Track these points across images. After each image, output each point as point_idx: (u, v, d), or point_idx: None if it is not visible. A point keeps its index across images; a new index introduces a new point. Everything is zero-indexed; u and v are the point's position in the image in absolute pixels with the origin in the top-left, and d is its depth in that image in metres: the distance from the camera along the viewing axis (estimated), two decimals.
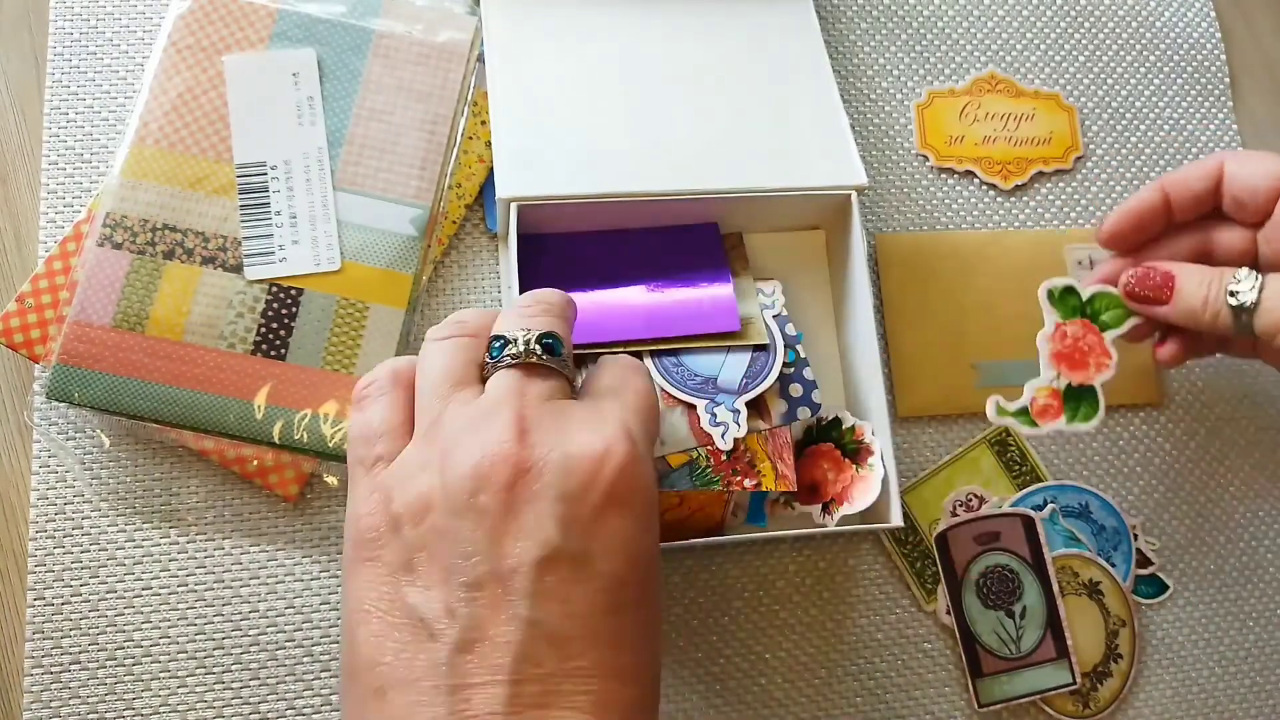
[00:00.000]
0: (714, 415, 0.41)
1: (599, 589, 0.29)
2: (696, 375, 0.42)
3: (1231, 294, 0.40)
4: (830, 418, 0.46)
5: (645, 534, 0.31)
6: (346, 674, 0.30)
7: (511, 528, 0.29)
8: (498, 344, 0.33)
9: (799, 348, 0.43)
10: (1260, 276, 0.40)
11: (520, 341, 0.32)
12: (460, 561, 0.29)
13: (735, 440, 0.41)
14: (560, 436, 0.30)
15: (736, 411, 0.41)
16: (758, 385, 0.42)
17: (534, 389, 0.32)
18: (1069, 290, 0.44)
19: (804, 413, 0.43)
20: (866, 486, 0.44)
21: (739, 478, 0.41)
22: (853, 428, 0.45)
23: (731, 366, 0.42)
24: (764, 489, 0.42)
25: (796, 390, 0.43)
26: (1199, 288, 0.41)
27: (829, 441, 0.46)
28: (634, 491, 0.30)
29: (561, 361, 0.33)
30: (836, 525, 0.44)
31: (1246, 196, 0.42)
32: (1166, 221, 0.44)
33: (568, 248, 0.45)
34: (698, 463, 0.41)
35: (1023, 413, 0.44)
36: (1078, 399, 0.44)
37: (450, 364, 0.33)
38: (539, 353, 0.32)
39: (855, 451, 0.45)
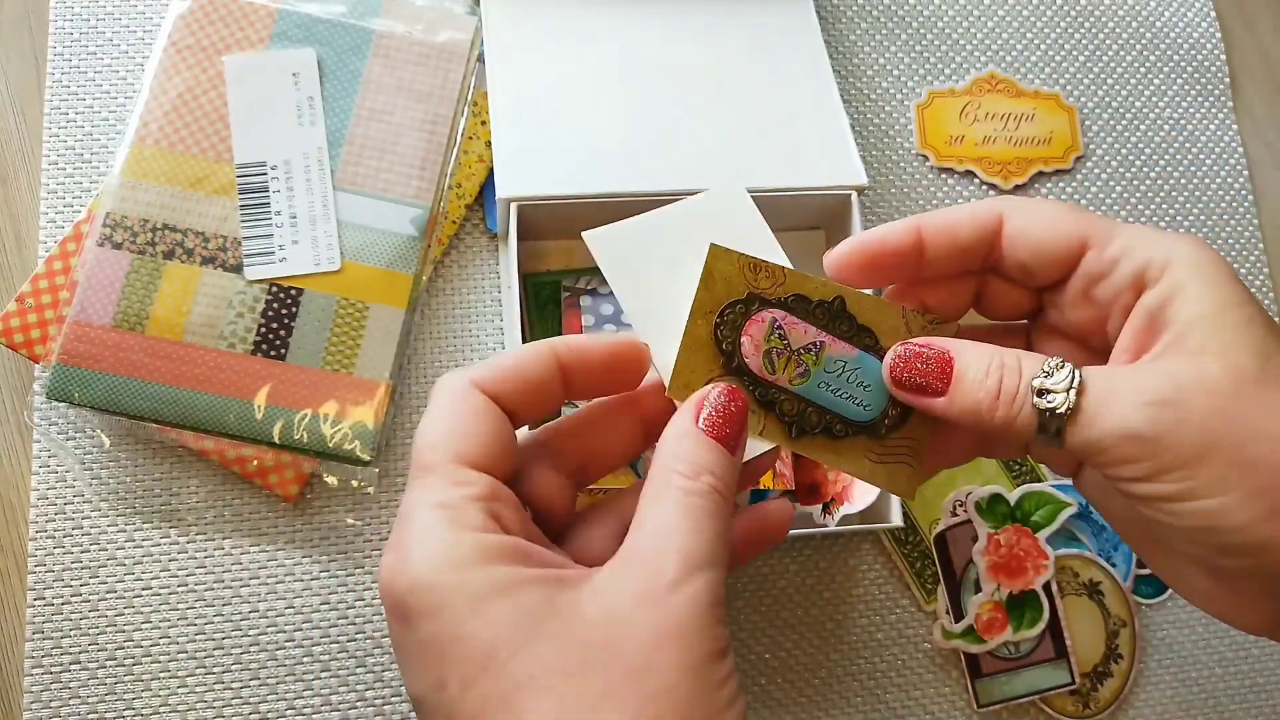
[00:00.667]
0: None
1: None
2: None
3: (1039, 393, 0.29)
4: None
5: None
6: None
7: None
8: None
9: None
10: (1077, 372, 0.29)
11: None
12: None
13: None
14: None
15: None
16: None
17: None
18: (996, 498, 0.44)
19: None
20: (866, 486, 0.43)
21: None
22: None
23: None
24: (762, 488, 0.42)
25: None
26: (985, 377, 0.30)
27: None
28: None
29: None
30: (837, 525, 0.44)
31: (1035, 263, 0.32)
32: (915, 268, 0.33)
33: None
34: None
35: (969, 632, 0.46)
36: (1021, 606, 0.46)
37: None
38: None
39: None
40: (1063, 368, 0.29)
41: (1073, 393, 0.29)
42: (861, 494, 0.44)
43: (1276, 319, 0.55)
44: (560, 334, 0.46)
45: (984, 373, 0.30)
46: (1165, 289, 0.30)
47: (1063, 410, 0.29)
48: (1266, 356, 0.29)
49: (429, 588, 0.26)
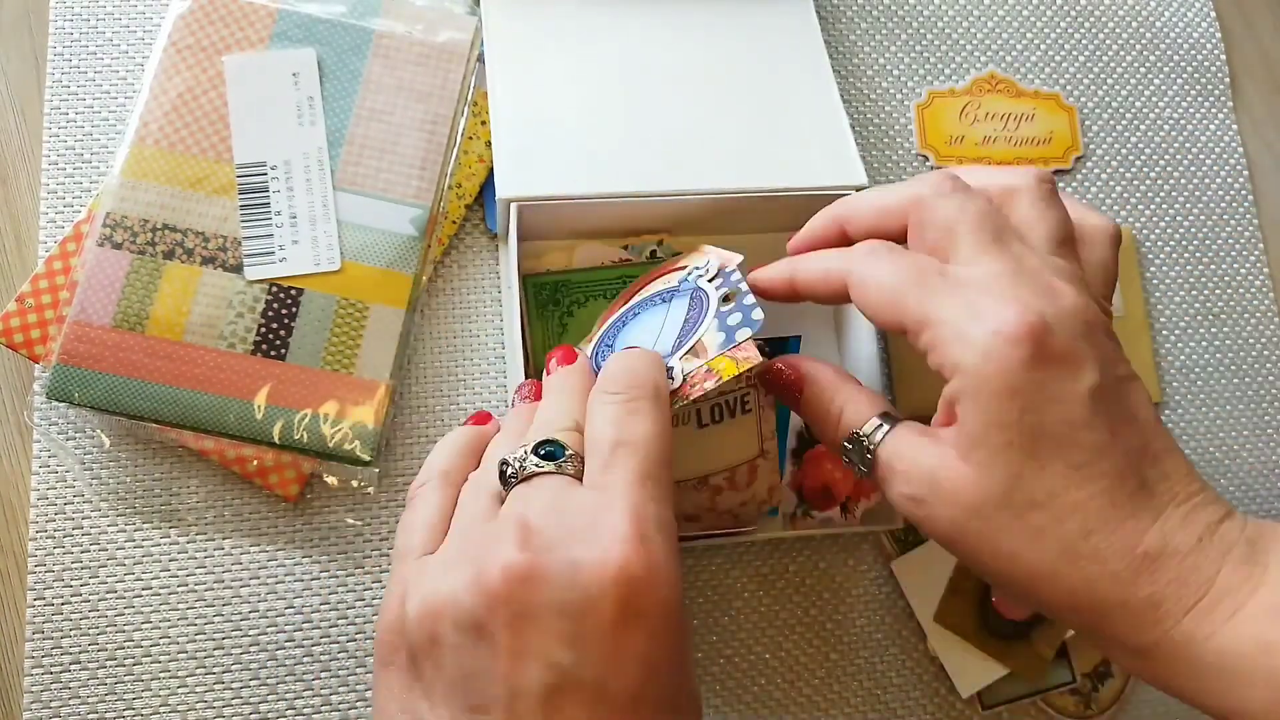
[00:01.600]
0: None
1: (612, 709, 0.28)
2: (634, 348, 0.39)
3: (844, 455, 0.36)
4: None
5: (668, 644, 0.29)
6: None
7: (516, 647, 0.28)
8: (501, 467, 0.33)
9: (741, 285, 0.40)
10: (878, 438, 0.35)
11: (516, 462, 0.32)
12: (463, 680, 0.29)
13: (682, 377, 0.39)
14: (564, 542, 0.29)
15: (671, 368, 0.38)
16: (692, 335, 0.39)
17: (537, 492, 0.31)
18: None
19: (744, 333, 0.38)
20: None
21: (699, 384, 0.38)
22: None
23: (668, 331, 0.40)
24: (725, 377, 0.40)
25: (735, 319, 0.38)
26: (822, 413, 0.37)
27: (821, 445, 0.46)
28: (650, 606, 0.29)
29: (565, 463, 0.32)
30: (861, 524, 0.44)
31: (879, 327, 0.39)
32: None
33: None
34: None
35: None
36: None
37: (486, 480, 0.33)
38: (537, 464, 0.32)
39: None
40: (860, 440, 0.35)
41: (869, 457, 0.35)
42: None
43: (1276, 318, 0.55)
44: (560, 336, 0.46)
45: (819, 409, 0.37)
46: (953, 391, 0.33)
47: (863, 469, 0.35)
48: (1015, 479, 0.32)
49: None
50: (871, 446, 0.35)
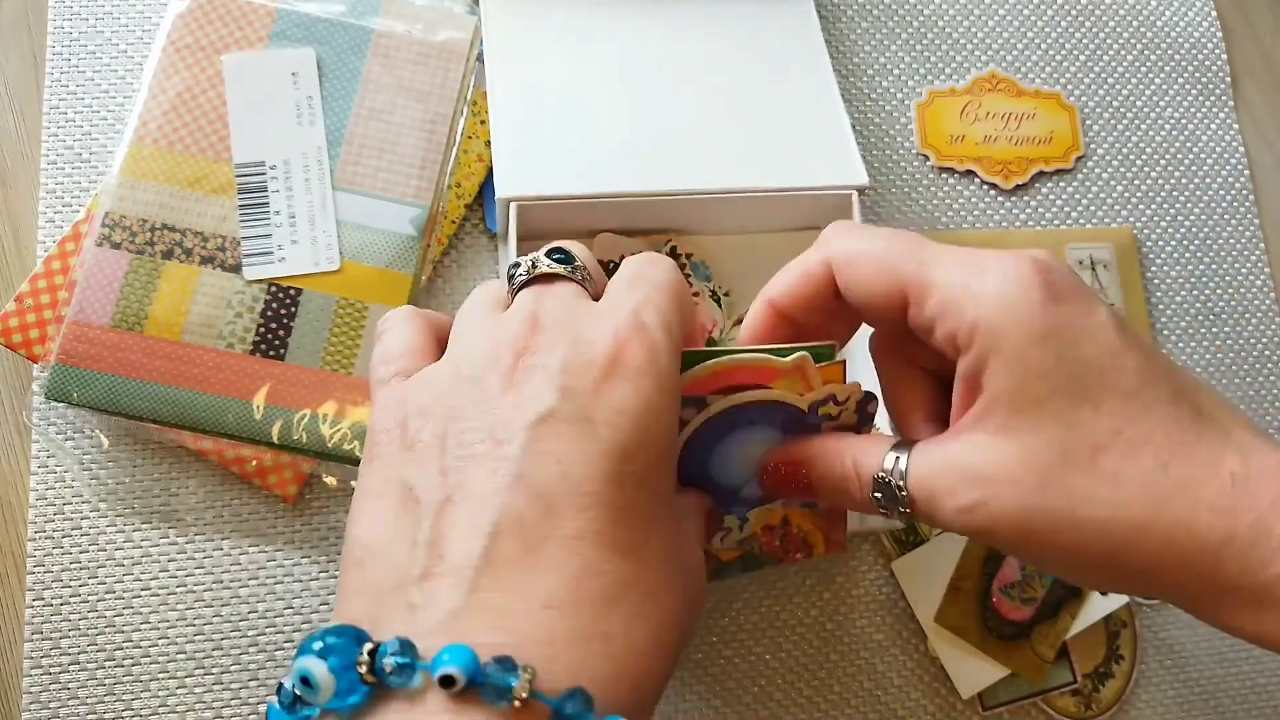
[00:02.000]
0: (721, 520, 0.37)
1: (599, 452, 0.27)
2: (721, 488, 0.36)
3: (881, 507, 0.32)
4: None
5: (656, 413, 0.28)
6: (341, 565, 0.29)
7: (510, 396, 0.28)
8: (511, 269, 0.32)
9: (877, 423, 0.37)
10: (902, 466, 0.31)
11: (529, 260, 0.32)
12: (457, 431, 0.28)
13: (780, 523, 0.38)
14: (571, 325, 0.29)
15: (745, 520, 0.37)
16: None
17: (551, 296, 0.31)
18: None
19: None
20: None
21: (793, 553, 0.38)
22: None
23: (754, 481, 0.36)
24: (818, 555, 0.40)
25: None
26: (834, 485, 0.33)
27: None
28: (640, 368, 0.28)
29: (575, 269, 0.32)
30: (862, 526, 0.43)
31: (870, 314, 0.34)
32: (805, 325, 0.35)
33: None
34: (750, 555, 0.38)
35: None
36: None
37: (482, 295, 0.33)
38: (548, 264, 0.32)
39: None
40: (887, 480, 0.31)
41: (903, 493, 0.31)
42: None
43: (1277, 318, 0.55)
44: None
45: (835, 480, 0.32)
46: (974, 358, 0.29)
47: (903, 509, 0.31)
48: (1071, 428, 0.28)
49: None
50: (900, 481, 0.31)
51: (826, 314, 0.34)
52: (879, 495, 0.31)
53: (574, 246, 0.33)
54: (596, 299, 0.32)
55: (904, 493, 0.31)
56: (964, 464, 0.30)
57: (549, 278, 0.32)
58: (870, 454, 0.32)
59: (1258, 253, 0.56)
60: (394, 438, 0.29)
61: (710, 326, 0.48)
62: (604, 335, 0.29)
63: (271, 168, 0.46)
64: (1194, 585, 0.28)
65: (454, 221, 0.49)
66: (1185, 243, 0.55)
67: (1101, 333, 0.29)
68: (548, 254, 0.32)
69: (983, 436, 0.29)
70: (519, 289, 0.32)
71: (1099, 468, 0.28)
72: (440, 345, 0.33)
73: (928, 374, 0.34)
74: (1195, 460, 0.28)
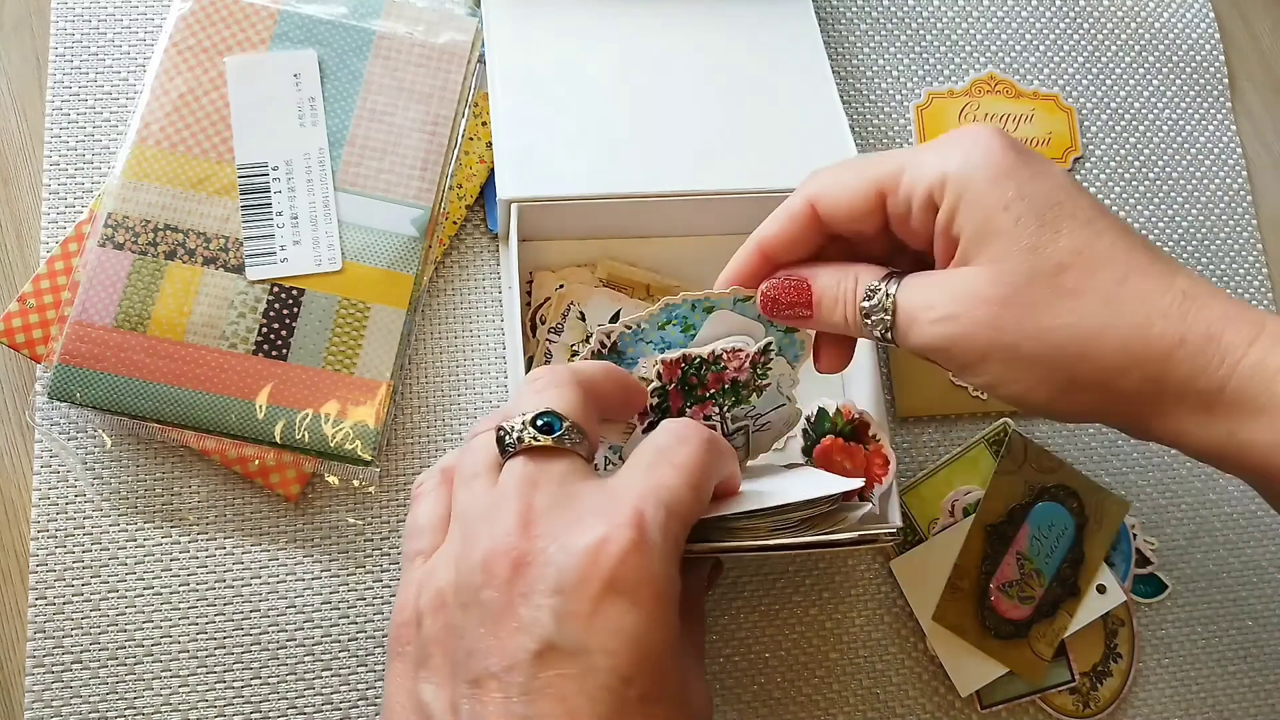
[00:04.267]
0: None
1: (599, 686, 0.28)
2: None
3: (866, 316, 0.35)
4: (815, 411, 0.45)
5: (654, 627, 0.29)
6: None
7: (510, 623, 0.28)
8: (500, 434, 0.32)
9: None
10: (892, 289, 0.35)
11: (514, 430, 0.31)
12: (464, 658, 0.29)
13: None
14: (564, 526, 0.29)
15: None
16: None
17: (545, 474, 0.31)
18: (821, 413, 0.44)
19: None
20: (883, 457, 0.43)
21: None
22: (839, 410, 0.44)
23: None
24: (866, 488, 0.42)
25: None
26: (836, 297, 0.36)
27: (828, 435, 0.45)
28: (638, 582, 0.28)
29: (566, 437, 0.31)
30: (863, 526, 0.43)
31: (854, 229, 0.37)
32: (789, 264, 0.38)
33: None
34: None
35: None
36: None
37: (476, 459, 0.32)
38: (535, 436, 0.31)
39: (854, 431, 0.44)
40: (878, 290, 0.35)
41: (888, 315, 0.35)
42: (882, 466, 0.43)
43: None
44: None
45: (835, 297, 0.36)
46: (947, 209, 0.33)
47: (885, 331, 0.35)
48: (1035, 251, 0.32)
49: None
50: (890, 292, 0.35)
51: (807, 251, 0.38)
52: (866, 304, 0.35)
53: (560, 397, 0.32)
54: (590, 457, 0.32)
55: (891, 304, 0.35)
56: (944, 284, 0.34)
57: (540, 450, 0.31)
58: (869, 273, 0.36)
59: (1255, 253, 0.56)
60: (411, 639, 0.31)
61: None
62: (594, 543, 0.29)
63: (274, 169, 0.46)
64: (1146, 392, 0.31)
65: (455, 222, 0.49)
66: (1183, 243, 0.56)
67: (1059, 175, 0.33)
68: (534, 419, 0.31)
69: (964, 269, 0.33)
70: (507, 459, 0.32)
71: (1061, 283, 0.31)
72: None
73: None
74: (1150, 276, 0.31)
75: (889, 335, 0.35)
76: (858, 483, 0.38)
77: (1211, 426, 0.31)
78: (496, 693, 0.28)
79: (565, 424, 0.31)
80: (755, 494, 0.36)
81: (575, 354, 0.42)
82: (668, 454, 0.32)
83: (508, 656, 0.28)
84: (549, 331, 0.41)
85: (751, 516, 0.35)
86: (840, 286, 0.36)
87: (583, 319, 0.41)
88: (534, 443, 0.31)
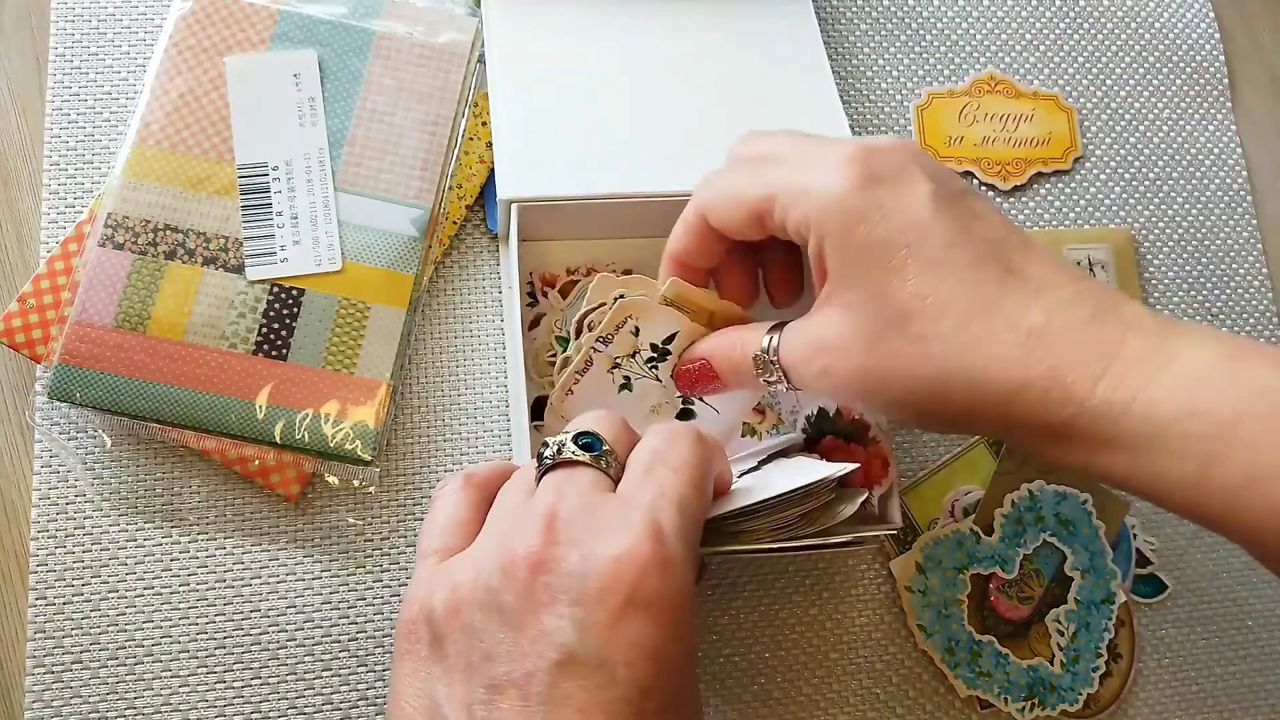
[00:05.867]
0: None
1: (618, 698, 0.28)
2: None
3: (763, 377, 0.37)
4: (814, 411, 0.45)
5: (673, 640, 0.29)
6: None
7: (530, 630, 0.29)
8: (541, 449, 0.33)
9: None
10: (775, 344, 0.36)
11: (554, 444, 0.33)
12: (482, 661, 0.29)
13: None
14: (587, 535, 0.30)
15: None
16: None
17: (573, 486, 0.31)
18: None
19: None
20: (884, 457, 0.43)
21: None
22: (839, 411, 0.45)
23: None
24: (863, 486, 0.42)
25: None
26: (731, 368, 0.38)
27: (829, 436, 0.45)
28: (659, 595, 0.29)
29: (600, 457, 0.32)
30: (863, 527, 0.44)
31: (742, 242, 0.38)
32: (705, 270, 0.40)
33: None
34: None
35: None
36: None
37: (524, 473, 0.34)
38: (574, 451, 0.32)
39: (854, 432, 0.44)
40: (763, 352, 0.36)
41: (778, 372, 0.36)
42: (883, 466, 0.43)
43: (1275, 318, 0.55)
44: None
45: (730, 368, 0.38)
46: (813, 248, 0.34)
47: (785, 385, 0.36)
48: (883, 297, 0.33)
49: None
50: (774, 353, 0.36)
51: (716, 257, 0.39)
52: (759, 371, 0.37)
53: (602, 426, 0.33)
54: (619, 479, 0.33)
55: (777, 365, 0.36)
56: (815, 337, 0.35)
57: (573, 463, 0.32)
58: (753, 338, 0.37)
59: (1255, 253, 0.56)
60: (423, 635, 0.31)
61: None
62: (616, 556, 0.29)
63: (274, 169, 0.46)
64: (1001, 427, 0.32)
65: (455, 222, 0.49)
66: (1183, 243, 0.56)
67: (912, 209, 0.32)
68: (576, 438, 0.33)
69: (828, 310, 0.34)
70: (543, 474, 0.33)
71: (909, 331, 0.32)
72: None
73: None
74: (995, 319, 0.31)
75: (784, 387, 0.37)
76: (851, 466, 0.38)
77: (1070, 455, 0.31)
78: (516, 700, 0.28)
79: (604, 447, 0.32)
80: (749, 489, 0.36)
81: (569, 365, 0.42)
82: (663, 457, 0.32)
83: (528, 664, 0.28)
84: (597, 340, 0.41)
85: (751, 516, 0.35)
86: (732, 358, 0.38)
87: (636, 335, 0.41)
88: (572, 456, 0.32)
